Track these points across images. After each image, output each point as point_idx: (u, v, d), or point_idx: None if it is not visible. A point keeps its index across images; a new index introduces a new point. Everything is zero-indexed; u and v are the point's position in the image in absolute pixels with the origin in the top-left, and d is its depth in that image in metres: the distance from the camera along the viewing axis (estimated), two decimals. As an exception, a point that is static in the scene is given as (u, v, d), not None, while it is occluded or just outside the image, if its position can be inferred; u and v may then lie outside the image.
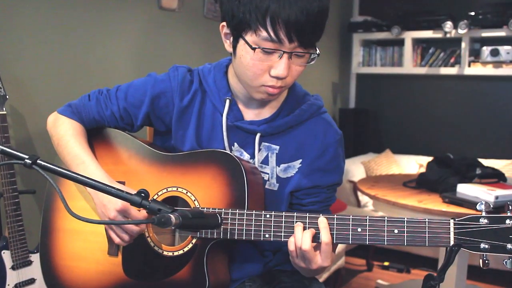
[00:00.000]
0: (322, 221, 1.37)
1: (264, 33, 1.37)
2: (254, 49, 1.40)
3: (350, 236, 1.36)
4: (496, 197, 2.85)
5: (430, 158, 4.05)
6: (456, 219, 1.29)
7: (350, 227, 1.36)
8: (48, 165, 1.29)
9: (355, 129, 5.84)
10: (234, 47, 1.48)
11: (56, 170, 1.30)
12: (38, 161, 1.28)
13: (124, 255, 1.60)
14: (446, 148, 5.29)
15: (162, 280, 1.53)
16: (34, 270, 2.38)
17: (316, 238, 1.37)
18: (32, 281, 2.38)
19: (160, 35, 3.57)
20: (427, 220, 1.30)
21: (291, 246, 1.38)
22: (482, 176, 3.33)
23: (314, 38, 1.43)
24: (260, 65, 1.43)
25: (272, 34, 1.37)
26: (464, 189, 3.03)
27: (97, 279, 1.63)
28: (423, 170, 4.54)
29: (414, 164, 5.33)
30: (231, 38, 1.49)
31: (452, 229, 1.28)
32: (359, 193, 4.84)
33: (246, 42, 1.41)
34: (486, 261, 1.26)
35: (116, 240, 1.52)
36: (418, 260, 4.70)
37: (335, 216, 1.37)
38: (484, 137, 5.40)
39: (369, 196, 3.42)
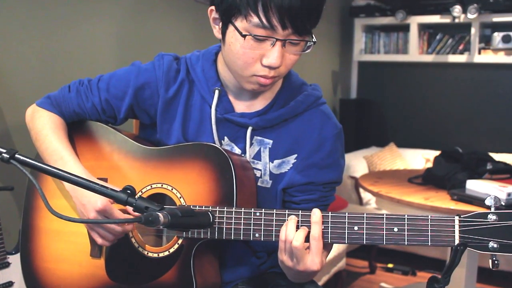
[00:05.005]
0: (315, 213, 1.36)
1: (255, 19, 1.37)
2: (244, 36, 1.40)
3: (346, 235, 1.35)
4: (509, 194, 2.85)
5: (437, 152, 4.05)
6: (462, 216, 1.27)
7: (346, 225, 1.35)
8: (27, 159, 1.30)
9: (356, 121, 5.85)
10: (223, 34, 1.47)
11: (36, 165, 1.30)
12: (17, 156, 1.29)
13: (107, 257, 1.61)
14: (454, 142, 5.30)
15: (147, 283, 1.54)
16: (12, 272, 2.38)
17: (308, 237, 1.36)
18: (9, 284, 2.38)
19: (146, 20, 3.56)
20: (429, 217, 1.29)
21: (282, 236, 1.38)
22: (493, 172, 3.35)
23: (309, 25, 1.42)
24: (251, 54, 1.42)
25: (264, 20, 1.36)
26: (474, 186, 3.03)
27: (79, 282, 1.64)
28: (430, 165, 4.55)
29: (420, 159, 5.34)
30: (220, 24, 1.48)
31: (457, 227, 1.27)
32: (361, 190, 4.84)
33: (236, 29, 1.41)
34: (496, 262, 1.24)
35: (99, 241, 1.53)
36: (424, 261, 4.71)
37: (330, 213, 1.37)
38: (496, 129, 5.41)
39: (372, 193, 3.43)
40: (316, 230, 1.35)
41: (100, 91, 1.67)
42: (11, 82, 2.71)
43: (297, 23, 1.38)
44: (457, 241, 1.27)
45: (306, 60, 4.79)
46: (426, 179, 3.54)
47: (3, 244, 2.36)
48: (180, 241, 1.50)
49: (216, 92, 1.61)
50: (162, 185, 1.56)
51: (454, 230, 1.27)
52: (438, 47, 5.50)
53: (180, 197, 1.53)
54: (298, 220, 1.38)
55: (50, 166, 1.33)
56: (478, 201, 2.92)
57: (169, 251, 1.52)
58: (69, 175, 1.32)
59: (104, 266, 1.61)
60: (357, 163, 5.11)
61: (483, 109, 5.47)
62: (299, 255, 1.35)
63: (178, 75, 1.65)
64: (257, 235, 1.42)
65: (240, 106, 1.64)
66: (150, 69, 1.65)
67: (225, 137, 1.63)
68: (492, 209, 1.26)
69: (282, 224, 1.39)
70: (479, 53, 5.24)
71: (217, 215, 1.44)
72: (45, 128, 1.64)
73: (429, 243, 1.29)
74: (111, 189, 1.31)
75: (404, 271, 4.62)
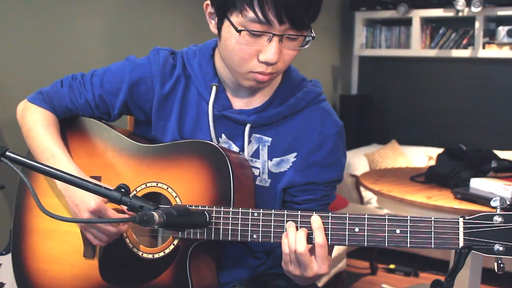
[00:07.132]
0: (316, 220, 1.35)
1: (251, 14, 1.36)
2: (239, 31, 1.39)
3: (347, 237, 1.35)
4: (514, 193, 2.86)
5: (440, 150, 4.06)
6: (466, 218, 1.26)
7: (347, 226, 1.34)
8: (18, 157, 1.30)
9: (357, 118, 5.85)
10: (219, 29, 1.47)
11: (27, 163, 1.30)
12: (7, 153, 1.29)
13: (101, 257, 1.61)
14: (458, 139, 5.31)
15: (141, 284, 1.54)
16: (3, 273, 2.38)
17: (310, 239, 1.36)
18: (0, 285, 2.38)
19: (140, 14, 3.55)
20: (432, 218, 1.28)
21: (285, 249, 1.37)
22: (498, 170, 3.34)
23: (308, 19, 1.41)
24: (247, 49, 1.42)
25: (260, 15, 1.35)
26: (478, 184, 3.03)
27: (72, 283, 1.64)
28: (432, 163, 4.55)
29: (422, 157, 5.34)
30: (216, 19, 1.48)
31: (461, 229, 1.26)
32: (362, 189, 4.84)
33: (231, 24, 1.40)
34: (501, 265, 1.23)
35: (94, 241, 1.52)
36: (427, 262, 4.71)
37: (330, 214, 1.36)
38: (500, 126, 5.41)
39: (373, 191, 3.43)
40: (320, 237, 1.34)
41: (93, 87, 1.67)
42: (2, 77, 2.71)
43: (295, 18, 1.37)
44: (461, 244, 1.26)
45: (305, 55, 4.78)
46: (429, 178, 3.53)
47: (-7, 244, 2.37)
48: (175, 242, 1.50)
49: (214, 88, 1.60)
50: (157, 184, 1.56)
51: (459, 233, 1.27)
52: (441, 41, 5.49)
53: (176, 197, 1.52)
54: (297, 226, 1.38)
55: (42, 164, 1.32)
56: (482, 200, 2.92)
57: (164, 252, 1.51)
58: (61, 174, 1.31)
59: (97, 266, 1.61)
60: (357, 161, 5.11)
61: (487, 105, 5.47)
62: (305, 261, 1.35)
63: (174, 70, 1.64)
64: (255, 236, 1.41)
65: (238, 103, 1.64)
66: (145, 64, 1.65)
67: (223, 135, 1.63)
68: (498, 211, 1.25)
69: (281, 225, 1.39)
70: (483, 47, 5.24)
71: (213, 215, 1.44)
72: (37, 125, 1.63)
73: (432, 246, 1.29)
74: (105, 188, 1.31)
75: (406, 272, 4.63)
